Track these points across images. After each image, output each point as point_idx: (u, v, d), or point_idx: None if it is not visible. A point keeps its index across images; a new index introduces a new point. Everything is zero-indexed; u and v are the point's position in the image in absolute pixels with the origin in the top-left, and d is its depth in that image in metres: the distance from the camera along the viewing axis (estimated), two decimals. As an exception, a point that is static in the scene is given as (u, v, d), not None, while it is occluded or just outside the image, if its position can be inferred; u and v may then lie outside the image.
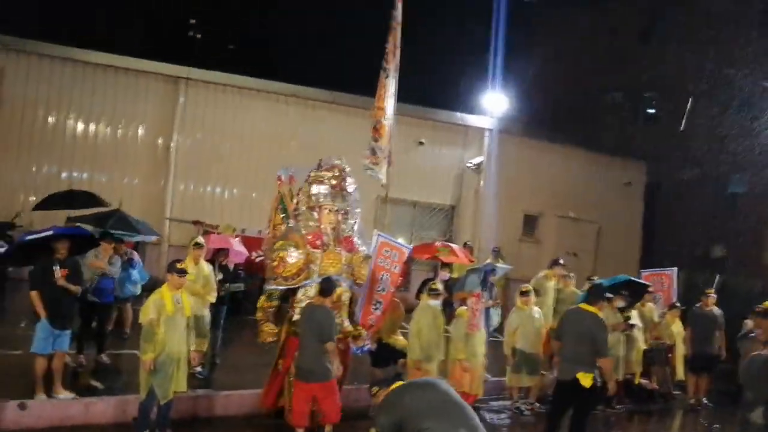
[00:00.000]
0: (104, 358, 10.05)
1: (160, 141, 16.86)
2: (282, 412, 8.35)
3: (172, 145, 16.81)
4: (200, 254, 9.77)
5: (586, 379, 7.72)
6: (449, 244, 12.91)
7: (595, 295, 8.38)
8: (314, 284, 8.18)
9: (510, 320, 10.42)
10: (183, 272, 7.58)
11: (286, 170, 8.72)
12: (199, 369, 9.69)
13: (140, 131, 16.75)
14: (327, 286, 7.88)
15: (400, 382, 5.37)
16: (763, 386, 6.24)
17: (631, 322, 11.05)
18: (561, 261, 12.43)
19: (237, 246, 11.34)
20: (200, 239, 10.44)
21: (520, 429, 10.08)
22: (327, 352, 7.71)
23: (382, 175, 10.53)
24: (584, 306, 8.22)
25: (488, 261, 13.72)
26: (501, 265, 12.50)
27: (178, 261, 7.79)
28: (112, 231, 10.57)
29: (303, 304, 8.11)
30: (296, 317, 8.10)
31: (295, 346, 8.06)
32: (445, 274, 11.93)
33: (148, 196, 16.50)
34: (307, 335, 7.71)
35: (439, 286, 9.90)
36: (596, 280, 11.95)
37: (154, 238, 12.82)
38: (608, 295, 9.98)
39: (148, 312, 7.30)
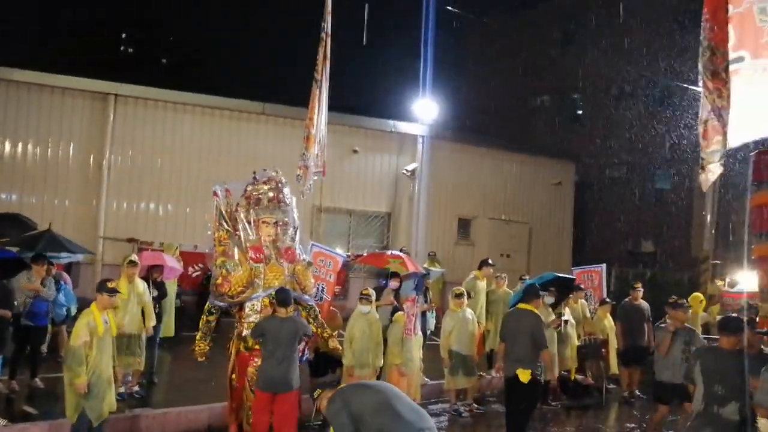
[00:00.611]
0: (38, 382, 9.80)
1: (91, 159, 16.50)
2: None
3: (104, 162, 16.47)
4: (134, 272, 9.71)
5: (524, 375, 8.06)
6: (400, 254, 13.02)
7: (530, 294, 8.79)
8: (261, 298, 8.13)
9: (445, 323, 10.51)
10: (114, 292, 7.41)
11: (221, 185, 8.67)
12: (136, 389, 9.64)
13: (70, 150, 16.36)
14: (284, 297, 7.84)
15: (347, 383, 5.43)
16: (735, 380, 6.02)
17: (564, 318, 11.28)
18: (490, 261, 12.72)
19: (170, 262, 11.26)
20: (134, 257, 10.31)
21: (460, 430, 10.21)
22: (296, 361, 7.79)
23: (304, 186, 10.59)
24: (522, 306, 8.63)
25: (424, 265, 13.92)
26: (434, 269, 12.70)
27: (108, 280, 7.58)
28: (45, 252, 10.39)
29: (251, 319, 8.05)
30: (246, 332, 8.03)
31: (246, 361, 8.00)
32: (395, 283, 12.05)
33: (80, 216, 16.16)
34: (282, 347, 7.63)
35: (371, 292, 9.91)
36: (528, 279, 12.32)
37: (81, 257, 12.56)
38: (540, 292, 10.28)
39: (80, 334, 7.09)
